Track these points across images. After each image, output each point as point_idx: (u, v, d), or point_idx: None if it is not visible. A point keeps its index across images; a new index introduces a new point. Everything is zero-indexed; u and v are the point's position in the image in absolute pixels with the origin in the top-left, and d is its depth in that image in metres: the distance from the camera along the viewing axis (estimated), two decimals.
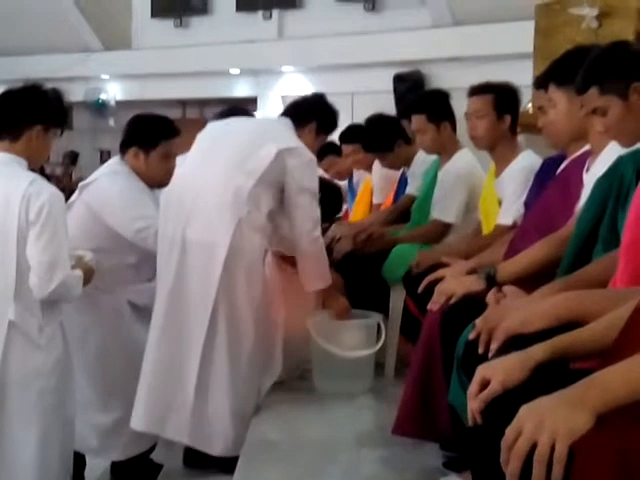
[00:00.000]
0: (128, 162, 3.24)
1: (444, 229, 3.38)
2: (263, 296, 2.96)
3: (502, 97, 3.02)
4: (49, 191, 2.60)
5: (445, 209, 3.37)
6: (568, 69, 2.32)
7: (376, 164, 4.45)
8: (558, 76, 2.36)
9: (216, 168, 2.96)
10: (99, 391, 3.22)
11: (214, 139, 3.15)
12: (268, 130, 3.17)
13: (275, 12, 9.01)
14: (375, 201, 4.57)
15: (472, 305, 2.10)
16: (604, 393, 1.13)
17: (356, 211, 4.79)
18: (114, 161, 3.34)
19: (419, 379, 2.29)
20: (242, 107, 4.25)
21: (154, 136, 3.23)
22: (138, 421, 2.98)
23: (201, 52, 9.09)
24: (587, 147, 2.39)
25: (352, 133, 4.59)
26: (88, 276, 2.73)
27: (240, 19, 9.18)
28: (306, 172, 3.03)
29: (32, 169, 2.70)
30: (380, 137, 3.97)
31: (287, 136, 3.08)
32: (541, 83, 2.46)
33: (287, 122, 3.16)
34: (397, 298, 3.31)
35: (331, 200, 3.65)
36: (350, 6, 8.60)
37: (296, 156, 3.00)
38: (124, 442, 3.20)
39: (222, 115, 3.71)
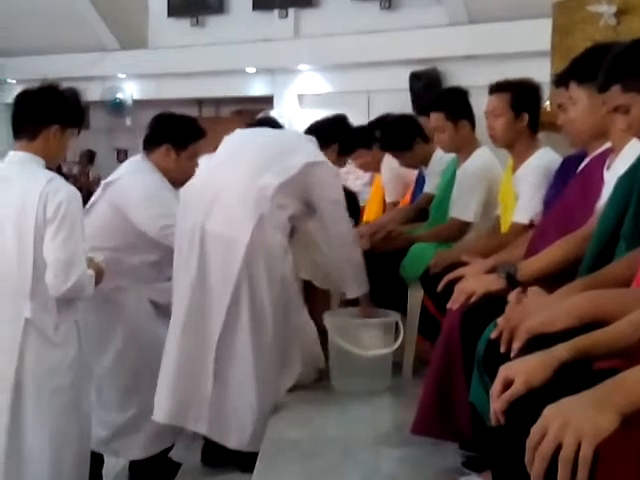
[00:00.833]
0: (154, 160, 3.29)
1: (463, 228, 3.37)
2: (282, 293, 2.97)
3: (520, 95, 3.00)
4: (66, 190, 2.61)
5: (464, 208, 3.35)
6: (589, 67, 2.30)
7: (384, 163, 4.46)
8: (579, 74, 2.34)
9: (241, 167, 2.99)
10: (119, 390, 3.24)
11: (241, 142, 3.19)
12: (296, 142, 3.23)
13: (291, 11, 9.02)
14: (388, 199, 4.57)
15: (492, 304, 2.08)
16: (630, 394, 1.12)
17: (369, 210, 4.79)
18: (137, 159, 3.37)
19: (438, 378, 2.28)
20: (272, 119, 4.31)
21: (186, 136, 3.30)
22: (160, 414, 2.98)
23: (217, 51, 9.11)
24: (608, 145, 2.37)
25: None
26: (98, 277, 2.75)
27: (256, 18, 9.19)
28: (333, 185, 3.12)
29: (49, 168, 2.72)
30: (399, 136, 3.96)
31: (313, 150, 3.15)
32: (561, 81, 2.45)
33: (312, 139, 3.22)
34: (415, 297, 3.29)
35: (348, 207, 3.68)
36: (366, 4, 8.59)
37: (322, 169, 3.07)
38: (143, 441, 3.21)
39: (252, 126, 3.76)
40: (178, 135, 3.30)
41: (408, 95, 8.12)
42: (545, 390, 1.37)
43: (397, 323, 3.19)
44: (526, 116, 2.97)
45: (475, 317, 2.12)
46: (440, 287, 2.50)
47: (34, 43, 9.68)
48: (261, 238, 2.87)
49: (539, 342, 1.54)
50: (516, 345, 1.58)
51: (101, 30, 9.59)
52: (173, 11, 9.66)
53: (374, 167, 4.72)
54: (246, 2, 9.23)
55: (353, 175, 5.30)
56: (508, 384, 1.38)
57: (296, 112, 8.91)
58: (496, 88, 3.04)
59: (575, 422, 1.09)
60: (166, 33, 9.70)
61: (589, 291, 1.61)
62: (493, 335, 1.73)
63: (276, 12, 9.09)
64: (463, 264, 2.61)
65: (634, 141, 2.15)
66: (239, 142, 3.18)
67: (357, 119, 5.68)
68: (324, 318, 3.16)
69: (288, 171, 2.95)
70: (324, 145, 3.24)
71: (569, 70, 2.39)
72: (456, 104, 3.45)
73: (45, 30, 9.54)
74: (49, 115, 2.68)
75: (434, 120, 3.46)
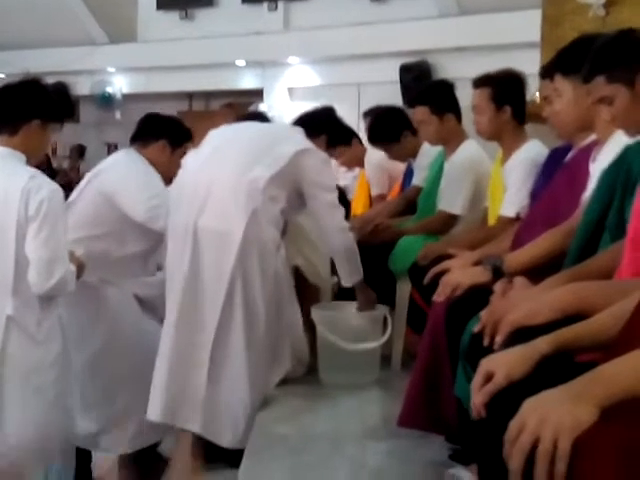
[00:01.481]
0: (148, 154, 3.36)
1: (450, 220, 3.36)
2: (275, 288, 2.96)
3: (501, 88, 2.98)
4: (48, 187, 2.59)
5: (451, 200, 3.35)
6: (574, 58, 2.30)
7: (367, 157, 4.47)
8: (564, 66, 2.34)
9: (231, 162, 2.97)
10: (104, 385, 3.22)
11: (228, 137, 3.18)
12: (284, 133, 3.25)
13: (281, 3, 8.98)
14: (373, 193, 4.56)
15: (477, 296, 2.08)
16: (608, 386, 1.11)
17: (356, 205, 4.79)
18: (128, 151, 3.39)
19: (424, 371, 2.28)
20: (261, 113, 4.31)
21: (183, 136, 3.45)
22: (154, 412, 2.97)
23: (207, 44, 9.07)
24: (594, 137, 2.37)
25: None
26: (79, 271, 2.73)
27: (246, 11, 9.15)
28: (324, 171, 3.11)
29: (36, 165, 2.70)
30: (386, 128, 3.96)
31: (302, 139, 3.14)
32: (547, 73, 2.44)
33: (300, 130, 3.22)
34: (403, 290, 3.30)
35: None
36: None
37: (312, 156, 3.06)
38: (130, 435, 3.20)
39: (241, 120, 3.76)
40: (177, 133, 3.44)
41: (398, 87, 8.10)
42: (526, 383, 1.37)
43: (385, 316, 3.19)
44: (508, 108, 2.96)
45: (460, 310, 2.11)
46: (426, 280, 2.50)
47: (23, 37, 9.63)
48: (255, 232, 2.86)
49: (522, 335, 1.54)
50: (499, 338, 1.58)
51: (90, 24, 9.54)
52: (162, 4, 9.61)
53: (357, 163, 4.72)
54: None
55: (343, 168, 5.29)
56: (489, 377, 1.37)
57: (286, 105, 8.89)
58: (477, 83, 3.04)
59: (553, 416, 1.08)
60: (155, 26, 9.66)
61: (572, 283, 1.60)
62: (476, 328, 1.73)
63: (265, 5, 9.06)
64: (450, 257, 2.61)
65: (619, 133, 2.14)
66: (226, 137, 3.16)
67: (347, 112, 5.69)
68: (312, 312, 3.15)
69: (278, 161, 2.94)
70: (312, 136, 3.22)
71: (554, 62, 2.38)
72: (441, 97, 3.44)
73: (35, 24, 9.48)
74: (30, 110, 2.65)
75: (419, 114, 3.45)
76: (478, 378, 1.39)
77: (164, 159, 3.36)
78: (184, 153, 3.34)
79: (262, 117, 3.91)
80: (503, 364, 1.35)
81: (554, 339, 1.36)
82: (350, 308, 3.28)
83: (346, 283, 3.22)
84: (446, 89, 3.50)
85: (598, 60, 1.93)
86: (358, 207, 4.78)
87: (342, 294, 3.44)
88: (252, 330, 2.90)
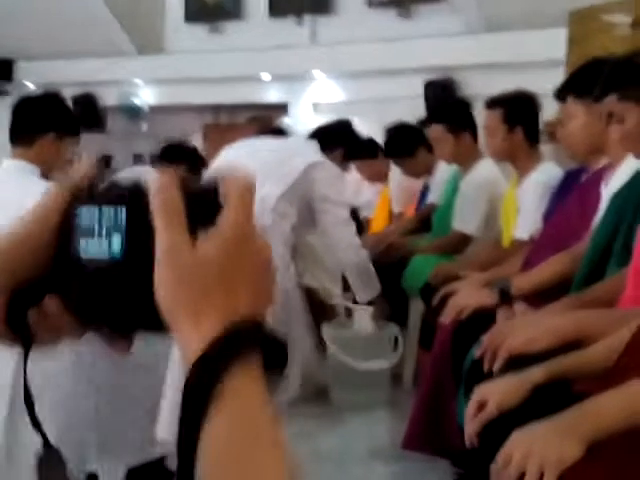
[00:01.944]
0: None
1: (465, 240, 3.34)
2: (284, 307, 2.94)
3: (512, 109, 2.95)
4: None
5: (466, 220, 3.32)
6: (586, 81, 2.28)
7: (392, 174, 4.45)
8: (576, 88, 2.32)
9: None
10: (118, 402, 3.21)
11: (241, 153, 3.18)
12: (296, 147, 3.24)
13: (307, 17, 9.00)
14: (394, 210, 4.54)
15: (484, 319, 2.07)
16: (596, 422, 1.10)
17: (376, 222, 4.77)
18: None
19: (430, 394, 2.26)
20: (280, 128, 4.29)
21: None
22: (163, 431, 2.95)
23: (234, 57, 9.09)
24: (607, 160, 2.34)
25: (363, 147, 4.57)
26: None
27: (273, 24, 9.17)
28: (335, 185, 3.10)
29: (45, 176, 2.71)
30: (400, 142, 3.94)
31: (314, 152, 3.12)
32: (559, 95, 2.42)
33: (314, 143, 3.20)
34: (416, 309, 3.27)
35: None
36: (383, 12, 8.56)
37: (323, 169, 3.05)
38: (135, 448, 3.19)
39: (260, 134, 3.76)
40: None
41: (423, 103, 8.08)
42: (520, 412, 1.35)
43: (396, 335, 3.17)
44: (520, 129, 2.92)
45: (466, 333, 2.10)
46: (435, 301, 2.49)
47: (51, 48, 9.73)
48: None
49: (521, 362, 1.52)
50: (496, 365, 1.57)
51: (118, 35, 9.62)
52: (190, 17, 9.66)
53: (380, 178, 4.70)
54: (263, 8, 9.23)
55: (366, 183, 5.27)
56: (482, 406, 1.36)
57: (311, 119, 8.89)
58: (489, 104, 3.01)
59: (539, 450, 1.07)
60: (183, 38, 9.71)
61: (572, 311, 1.59)
62: (477, 354, 1.71)
63: (292, 19, 9.08)
64: (461, 278, 2.59)
65: (631, 157, 2.12)
66: (239, 153, 3.16)
67: (371, 127, 5.68)
68: (323, 330, 3.14)
69: (289, 176, 2.93)
70: (328, 150, 3.21)
71: (567, 84, 2.36)
72: (457, 116, 3.43)
73: (62, 35, 9.58)
74: (45, 123, 2.67)
75: (434, 132, 3.44)
76: (471, 407, 1.37)
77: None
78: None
79: (280, 132, 3.91)
80: (495, 393, 1.34)
81: (548, 368, 1.35)
82: (362, 319, 3.24)
83: (361, 299, 3.20)
84: (462, 108, 3.48)
85: (611, 78, 1.91)
86: (378, 223, 4.76)
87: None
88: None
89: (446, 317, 2.22)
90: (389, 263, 3.40)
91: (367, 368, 3.03)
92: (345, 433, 2.88)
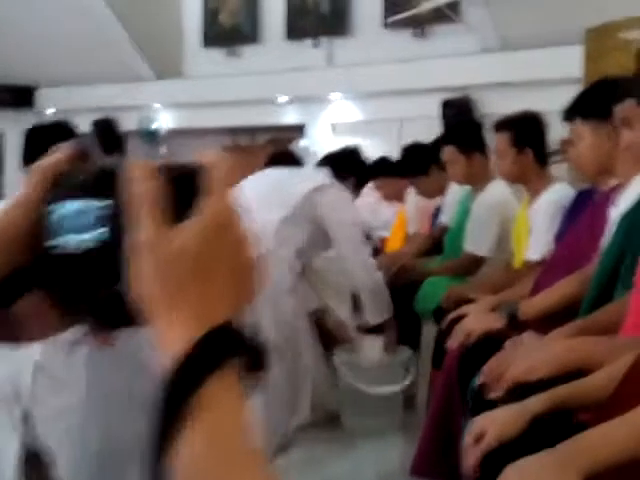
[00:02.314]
0: None
1: (477, 262, 3.30)
2: (290, 333, 2.92)
3: (521, 132, 2.93)
4: None
5: (478, 241, 3.29)
6: (593, 102, 2.26)
7: (409, 194, 4.43)
8: (583, 109, 2.30)
9: (245, 204, 2.94)
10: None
11: (248, 183, 3.17)
12: (302, 172, 3.23)
13: (324, 40, 9.05)
14: (410, 231, 4.52)
15: (491, 344, 2.04)
16: (591, 454, 1.07)
17: (392, 243, 4.75)
18: None
19: (438, 419, 2.23)
20: (289, 153, 4.25)
21: None
22: None
23: (251, 80, 9.15)
24: (617, 181, 2.31)
25: (380, 166, 4.57)
26: None
27: (289, 47, 9.23)
28: (344, 206, 3.07)
29: None
30: (414, 161, 3.93)
31: (319, 177, 3.11)
32: (567, 116, 2.39)
33: (324, 169, 3.19)
34: (429, 332, 3.23)
35: None
36: (399, 33, 8.59)
37: (328, 193, 3.04)
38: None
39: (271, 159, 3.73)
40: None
41: (440, 123, 8.07)
42: (520, 443, 1.32)
43: (408, 359, 3.14)
44: (530, 151, 2.90)
45: (473, 357, 2.07)
46: (444, 325, 2.46)
47: (72, 74, 9.86)
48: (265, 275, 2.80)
49: (522, 391, 1.49)
50: (497, 394, 1.54)
51: (137, 61, 9.72)
52: (208, 41, 9.76)
53: (399, 197, 4.68)
54: (279, 31, 9.30)
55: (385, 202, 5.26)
56: (481, 436, 1.33)
57: (329, 140, 8.91)
58: (498, 127, 2.99)
59: None
60: (201, 63, 9.80)
61: (573, 339, 1.55)
62: (479, 381, 1.68)
63: (309, 41, 9.13)
64: (472, 300, 2.57)
65: (639, 178, 2.09)
66: (243, 184, 3.16)
67: (389, 147, 5.68)
68: (335, 355, 3.11)
69: (291, 201, 2.92)
70: (341, 177, 3.20)
71: (574, 105, 2.34)
72: (468, 137, 3.40)
73: (83, 61, 9.71)
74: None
75: (446, 153, 3.42)
76: (470, 438, 1.35)
77: None
78: None
79: (290, 156, 3.89)
80: (494, 424, 1.32)
81: (547, 398, 1.32)
82: (372, 348, 3.22)
83: (373, 321, 3.17)
84: (473, 129, 3.46)
85: (632, 84, 1.89)
86: (394, 244, 4.73)
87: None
88: (266, 377, 2.85)
89: (453, 342, 2.19)
90: (401, 285, 3.38)
91: (378, 392, 3.00)
92: (355, 459, 2.85)
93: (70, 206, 0.59)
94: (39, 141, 2.72)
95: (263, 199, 2.96)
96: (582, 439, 1.09)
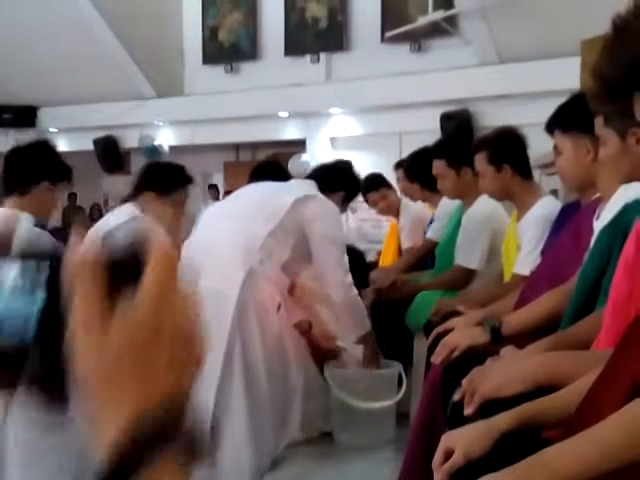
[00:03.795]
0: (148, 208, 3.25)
1: (468, 275, 3.30)
2: (277, 349, 2.90)
3: (496, 150, 2.91)
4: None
5: (468, 255, 3.29)
6: (572, 115, 2.26)
7: (403, 208, 4.43)
8: (563, 122, 2.30)
9: (231, 220, 2.95)
10: None
11: (231, 198, 3.17)
12: (286, 186, 3.19)
13: (322, 55, 9.10)
14: (404, 245, 4.51)
15: (475, 359, 2.03)
16: (551, 472, 1.07)
17: (385, 256, 4.74)
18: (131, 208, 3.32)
19: (421, 435, 2.21)
20: (274, 163, 4.20)
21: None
22: None
23: (251, 96, 9.21)
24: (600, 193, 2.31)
25: (374, 181, 4.57)
26: None
27: (288, 63, 9.29)
28: (327, 219, 3.02)
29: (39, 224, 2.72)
30: (427, 166, 3.88)
31: (306, 188, 3.08)
32: (548, 128, 2.39)
33: (310, 183, 3.17)
34: (420, 347, 3.22)
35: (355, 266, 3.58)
36: (396, 47, 8.63)
37: (314, 204, 2.99)
38: None
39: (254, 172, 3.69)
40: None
41: (439, 136, 8.08)
42: (488, 460, 1.32)
43: (400, 374, 3.13)
44: (508, 167, 2.88)
45: (456, 372, 2.05)
46: (430, 339, 2.46)
47: (74, 93, 9.94)
48: (251, 291, 2.81)
49: (493, 407, 1.49)
50: (469, 410, 1.53)
51: (138, 79, 9.79)
52: (208, 59, 9.83)
53: (392, 212, 4.68)
54: (278, 48, 9.36)
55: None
56: (449, 454, 1.33)
57: (329, 154, 8.95)
58: (474, 148, 2.98)
59: None
60: (201, 80, 9.87)
61: (545, 354, 1.55)
62: (456, 397, 1.68)
63: (308, 57, 9.18)
64: (461, 314, 2.56)
65: (621, 190, 2.09)
66: (230, 198, 3.17)
67: (389, 161, 5.69)
68: (325, 371, 3.10)
69: (278, 214, 2.89)
70: (329, 192, 3.17)
71: (553, 118, 2.34)
72: (458, 151, 3.40)
73: (86, 80, 9.78)
74: (39, 172, 2.70)
75: (436, 167, 3.42)
76: (438, 456, 1.35)
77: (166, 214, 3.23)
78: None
79: (275, 167, 3.83)
80: (461, 442, 1.31)
81: (514, 415, 1.31)
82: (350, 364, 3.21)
83: (348, 338, 3.14)
84: (463, 143, 3.46)
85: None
86: (387, 258, 4.73)
87: None
88: (253, 394, 2.82)
89: (437, 356, 2.19)
90: (393, 301, 3.38)
91: (369, 407, 3.00)
92: (345, 475, 2.84)
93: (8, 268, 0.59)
94: (22, 162, 2.73)
95: (249, 210, 2.96)
96: (542, 455, 1.09)
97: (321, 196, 3.04)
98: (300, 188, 3.06)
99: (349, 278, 3.03)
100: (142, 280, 0.53)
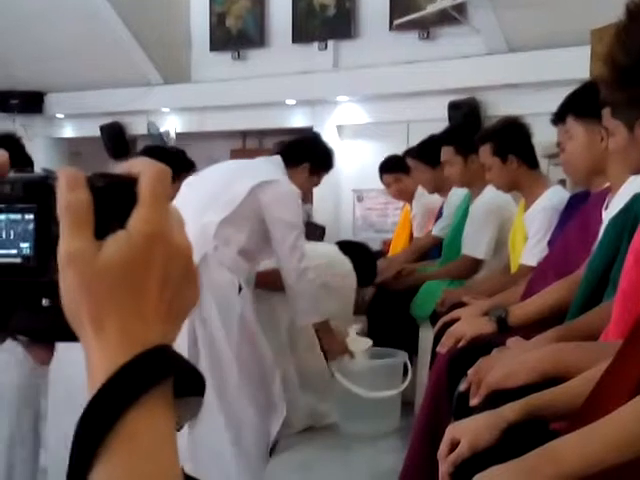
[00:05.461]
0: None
1: (474, 265, 3.28)
2: (242, 333, 2.82)
3: (501, 141, 2.89)
4: None
5: (475, 245, 3.27)
6: (586, 101, 2.23)
7: (417, 196, 4.37)
8: (576, 108, 2.27)
9: (187, 208, 2.89)
10: None
11: (191, 183, 3.11)
12: (247, 168, 3.10)
13: (330, 43, 9.04)
14: (416, 234, 4.46)
15: (481, 348, 2.01)
16: (558, 465, 1.05)
17: (396, 243, 4.70)
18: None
19: (427, 425, 2.20)
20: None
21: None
22: None
23: (258, 84, 9.16)
24: (609, 183, 2.28)
25: (392, 163, 4.53)
26: None
27: (296, 51, 9.23)
28: (284, 204, 2.95)
29: None
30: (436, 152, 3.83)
31: (266, 171, 3.01)
32: (558, 117, 2.37)
33: (275, 159, 3.11)
34: (426, 336, 3.21)
35: (364, 265, 3.53)
36: (405, 35, 8.56)
37: (271, 190, 2.93)
38: None
39: None
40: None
41: (447, 125, 8.04)
42: (494, 451, 1.30)
43: (405, 363, 3.12)
44: (514, 158, 2.85)
45: (462, 362, 2.04)
46: (435, 329, 2.45)
47: (81, 79, 9.91)
48: (206, 278, 2.72)
49: (500, 397, 1.47)
50: (475, 401, 1.52)
51: (146, 66, 9.75)
52: (215, 46, 9.77)
53: (407, 197, 4.61)
54: (286, 35, 9.30)
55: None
56: (455, 445, 1.32)
57: (336, 143, 8.91)
58: (479, 140, 2.96)
59: None
60: (208, 67, 9.82)
61: (553, 345, 1.53)
62: (462, 387, 1.67)
63: (315, 44, 9.13)
64: (466, 304, 2.55)
65: (631, 180, 2.07)
66: (189, 183, 3.10)
67: (396, 149, 5.66)
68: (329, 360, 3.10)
69: (233, 201, 2.85)
70: (293, 165, 3.11)
71: (566, 104, 2.31)
72: (466, 138, 3.37)
73: (93, 66, 9.75)
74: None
75: (444, 154, 3.39)
76: (443, 446, 1.33)
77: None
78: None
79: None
80: (468, 432, 1.30)
81: (522, 406, 1.30)
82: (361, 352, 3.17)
83: (299, 323, 3.08)
84: (472, 130, 3.43)
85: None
86: (398, 243, 4.68)
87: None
88: (222, 377, 2.76)
89: (442, 346, 2.17)
90: (399, 291, 3.36)
91: (373, 397, 2.99)
92: (348, 463, 2.84)
93: None
94: None
95: (206, 198, 2.90)
96: (550, 448, 1.07)
97: (281, 180, 2.98)
98: (264, 169, 3.00)
99: (304, 263, 2.95)
100: (135, 209, 0.52)
